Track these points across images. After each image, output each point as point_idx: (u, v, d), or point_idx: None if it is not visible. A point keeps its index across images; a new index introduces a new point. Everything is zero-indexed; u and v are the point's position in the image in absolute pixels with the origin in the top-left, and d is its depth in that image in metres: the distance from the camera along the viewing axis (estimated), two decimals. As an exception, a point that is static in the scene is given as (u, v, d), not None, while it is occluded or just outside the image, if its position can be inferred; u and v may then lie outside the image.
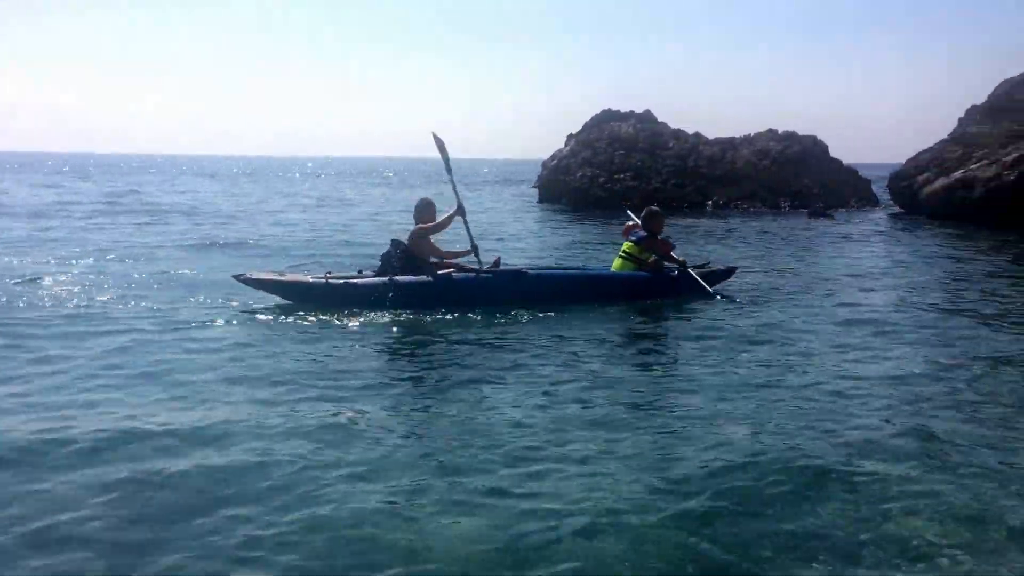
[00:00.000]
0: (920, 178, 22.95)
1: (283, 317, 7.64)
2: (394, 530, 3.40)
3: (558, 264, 10.98)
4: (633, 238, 9.33)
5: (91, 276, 10.06)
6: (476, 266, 8.38)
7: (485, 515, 3.54)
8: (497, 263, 8.54)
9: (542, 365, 6.07)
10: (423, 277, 8.06)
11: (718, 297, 8.99)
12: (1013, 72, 23.80)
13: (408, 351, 6.68)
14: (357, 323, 7.44)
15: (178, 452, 4.22)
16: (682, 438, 4.53)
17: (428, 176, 61.43)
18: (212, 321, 7.40)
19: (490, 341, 6.87)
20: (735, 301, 8.92)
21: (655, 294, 8.97)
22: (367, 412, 4.89)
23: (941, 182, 21.94)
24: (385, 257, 8.33)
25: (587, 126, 30.56)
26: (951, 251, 14.63)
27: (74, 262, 11.38)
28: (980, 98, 24.51)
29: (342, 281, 8.09)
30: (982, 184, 20.51)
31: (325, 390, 5.33)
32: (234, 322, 7.45)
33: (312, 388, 5.37)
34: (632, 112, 31.14)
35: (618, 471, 4.03)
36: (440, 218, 8.41)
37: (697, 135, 29.48)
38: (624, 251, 9.36)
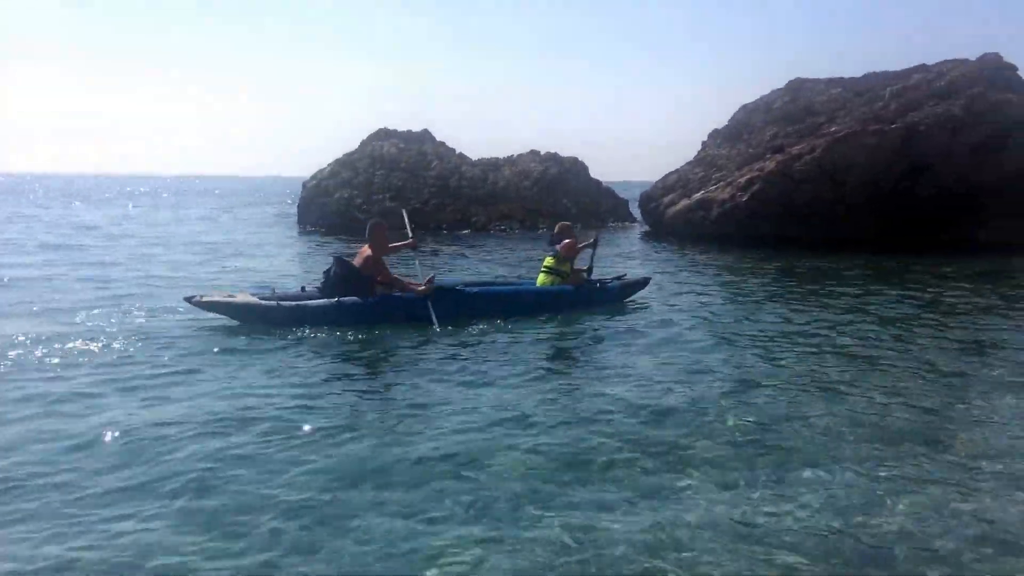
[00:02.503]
0: (666, 199, 23.42)
1: (234, 337, 7.88)
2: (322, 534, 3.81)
3: (487, 280, 11.06)
4: (550, 252, 10.04)
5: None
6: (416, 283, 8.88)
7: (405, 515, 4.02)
8: (431, 281, 8.94)
9: (481, 371, 6.84)
10: (368, 298, 8.53)
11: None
12: (751, 98, 25.04)
13: (355, 366, 7.14)
14: (306, 342, 7.78)
15: (131, 465, 4.59)
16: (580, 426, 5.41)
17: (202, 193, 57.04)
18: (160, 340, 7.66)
19: (430, 354, 7.50)
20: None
21: (580, 304, 9.76)
22: (310, 425, 5.29)
23: (684, 203, 22.45)
24: (328, 274, 8.73)
25: (362, 144, 29.19)
26: (678, 265, 14.53)
27: None
28: (723, 121, 25.57)
29: (293, 303, 8.39)
30: (718, 205, 21.12)
31: (273, 406, 5.69)
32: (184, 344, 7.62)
33: (262, 404, 5.73)
34: (410, 131, 30.10)
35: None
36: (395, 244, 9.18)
37: (461, 156, 28.77)
38: (546, 266, 10.04)
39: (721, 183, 21.79)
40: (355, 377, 6.76)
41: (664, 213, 23.12)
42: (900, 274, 14.38)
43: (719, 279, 13.80)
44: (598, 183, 29.23)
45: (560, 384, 6.56)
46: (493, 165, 28.42)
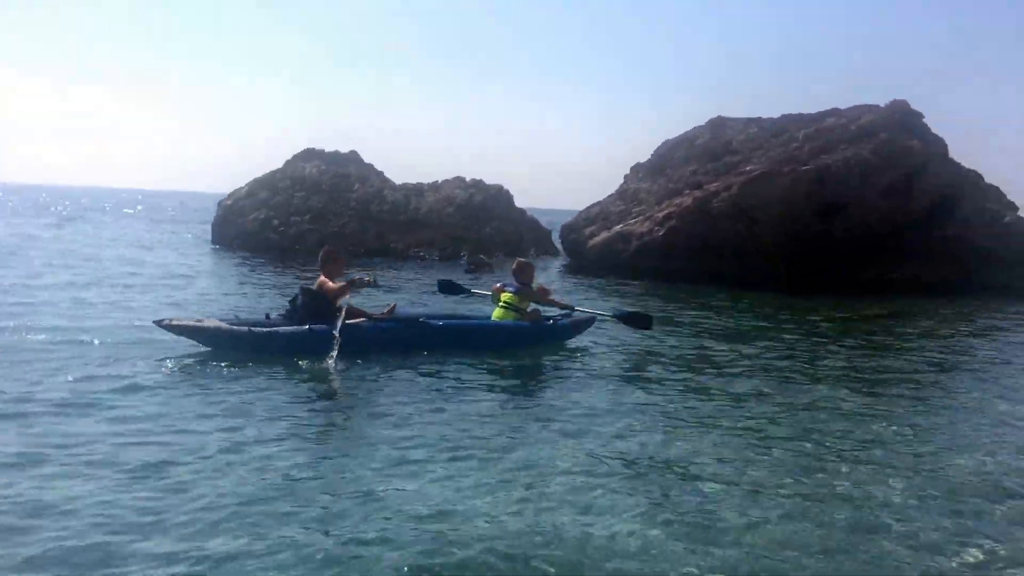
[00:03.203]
0: (587, 230, 23.38)
1: (201, 363, 7.79)
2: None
3: (440, 313, 10.58)
4: (510, 289, 9.93)
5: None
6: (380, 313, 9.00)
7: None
8: (392, 310, 9.13)
9: (444, 401, 6.97)
10: (338, 325, 8.25)
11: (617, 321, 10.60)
12: (675, 134, 25.26)
13: (324, 394, 7.20)
14: (275, 369, 7.68)
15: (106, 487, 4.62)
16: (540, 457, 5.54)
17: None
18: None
19: (398, 383, 7.57)
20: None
21: (538, 341, 9.75)
22: (277, 452, 5.37)
23: (604, 235, 22.43)
24: (293, 303, 8.70)
25: (286, 164, 28.45)
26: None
27: None
28: (647, 156, 25.71)
29: (266, 330, 8.26)
30: (637, 239, 21.15)
31: (238, 431, 5.77)
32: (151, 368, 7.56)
33: (228, 429, 5.78)
34: (338, 152, 29.48)
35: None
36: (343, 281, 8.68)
37: (384, 179, 28.31)
38: (504, 302, 9.89)
39: (640, 217, 21.86)
40: (318, 406, 6.78)
41: (585, 244, 23.06)
42: (803, 313, 14.50)
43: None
44: (522, 212, 29.09)
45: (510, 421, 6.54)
46: (417, 190, 28.02)
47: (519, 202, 29.67)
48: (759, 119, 23.26)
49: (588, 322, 10.51)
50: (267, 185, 27.22)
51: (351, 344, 8.19)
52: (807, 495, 5.06)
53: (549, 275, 21.27)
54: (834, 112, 21.98)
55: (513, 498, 4.78)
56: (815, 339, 11.63)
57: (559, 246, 27.29)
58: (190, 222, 42.88)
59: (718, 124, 23.83)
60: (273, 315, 8.79)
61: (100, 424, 5.81)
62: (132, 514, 4.30)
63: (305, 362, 7.94)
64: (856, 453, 5.99)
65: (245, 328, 8.21)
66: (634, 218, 22.06)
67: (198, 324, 8.30)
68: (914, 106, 21.48)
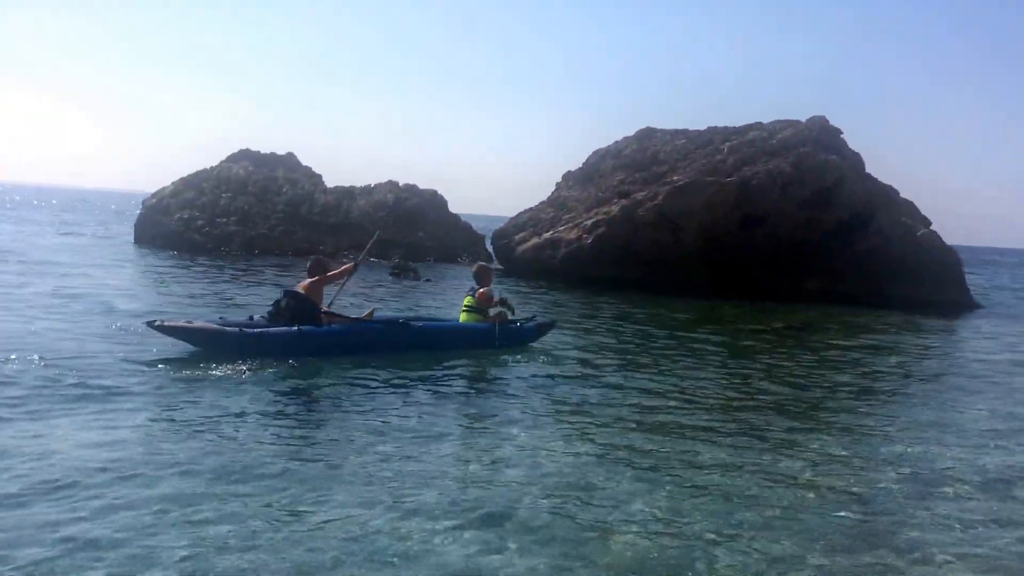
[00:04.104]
0: (517, 236, 23.51)
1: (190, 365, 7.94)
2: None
3: (416, 316, 11.04)
4: (470, 292, 10.37)
5: None
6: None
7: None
8: (371, 314, 9.59)
9: (436, 399, 7.48)
10: (327, 327, 8.91)
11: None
12: (606, 143, 25.58)
13: (312, 391, 7.53)
14: (265, 369, 7.94)
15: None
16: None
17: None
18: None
19: (380, 383, 7.91)
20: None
21: (505, 342, 10.00)
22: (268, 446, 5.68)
23: (534, 241, 22.60)
24: (279, 305, 9.00)
25: (222, 164, 27.87)
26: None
27: None
28: (578, 164, 25.96)
29: (256, 331, 8.52)
30: (565, 245, 21.36)
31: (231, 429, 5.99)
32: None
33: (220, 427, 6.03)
34: (274, 154, 29.04)
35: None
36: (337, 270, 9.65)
37: (315, 182, 27.99)
38: (467, 305, 10.32)
39: (570, 224, 22.08)
40: (309, 403, 7.17)
41: (515, 250, 23.18)
42: (716, 320, 14.87)
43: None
44: (456, 218, 29.08)
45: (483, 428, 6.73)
46: (348, 194, 27.77)
47: (455, 207, 29.73)
48: (686, 131, 23.75)
49: (549, 325, 10.99)
50: (193, 185, 26.67)
51: (335, 346, 8.74)
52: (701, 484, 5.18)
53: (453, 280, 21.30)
54: (757, 126, 22.59)
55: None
56: (722, 345, 11.93)
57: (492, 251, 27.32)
58: (109, 222, 41.61)
59: (646, 135, 24.25)
60: (256, 317, 9.13)
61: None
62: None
63: (294, 361, 8.26)
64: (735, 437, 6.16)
65: (236, 329, 8.46)
66: (563, 225, 22.28)
67: (189, 326, 8.53)
68: (835, 123, 22.29)
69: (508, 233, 24.17)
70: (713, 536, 4.58)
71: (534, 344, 10.58)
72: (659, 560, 4.25)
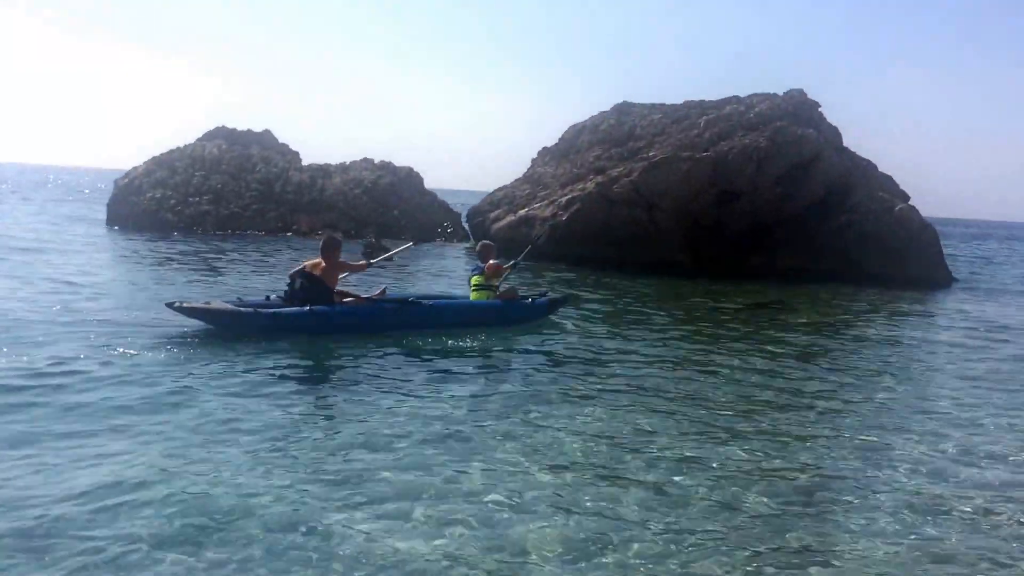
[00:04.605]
0: (492, 214, 23.25)
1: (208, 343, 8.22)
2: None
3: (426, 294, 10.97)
4: (475, 272, 10.46)
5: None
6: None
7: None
8: (383, 293, 9.71)
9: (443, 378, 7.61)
10: (339, 307, 9.13)
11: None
12: (581, 117, 25.28)
13: (328, 369, 7.88)
14: (280, 346, 8.24)
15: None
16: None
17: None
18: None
19: (398, 360, 8.18)
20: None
21: (522, 319, 10.33)
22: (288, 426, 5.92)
23: (509, 219, 22.34)
24: (292, 286, 9.18)
25: (195, 143, 27.42)
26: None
27: None
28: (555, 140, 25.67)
29: (271, 311, 8.85)
30: (541, 223, 21.09)
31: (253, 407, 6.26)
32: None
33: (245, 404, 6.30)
34: (250, 131, 28.65)
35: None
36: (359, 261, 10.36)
37: (289, 160, 27.59)
38: (475, 283, 10.38)
39: (545, 201, 21.84)
40: (297, 387, 7.19)
41: (490, 228, 22.91)
42: (687, 296, 14.72)
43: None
44: (433, 196, 28.75)
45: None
46: (323, 171, 27.40)
47: (431, 184, 29.40)
48: (663, 105, 23.45)
49: (563, 300, 11.33)
50: (165, 164, 26.23)
51: (347, 326, 9.04)
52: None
53: (442, 256, 21.11)
54: (734, 99, 22.32)
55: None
56: (688, 322, 11.79)
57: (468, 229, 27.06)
58: (79, 199, 41.01)
59: (623, 109, 23.94)
60: (272, 297, 9.38)
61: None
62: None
63: (305, 340, 8.58)
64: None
65: (251, 310, 8.79)
66: (539, 202, 22.03)
67: (207, 307, 8.81)
68: (812, 95, 22.03)
69: (483, 211, 23.91)
70: (650, 524, 4.43)
71: (551, 318, 10.86)
72: (576, 543, 4.10)
